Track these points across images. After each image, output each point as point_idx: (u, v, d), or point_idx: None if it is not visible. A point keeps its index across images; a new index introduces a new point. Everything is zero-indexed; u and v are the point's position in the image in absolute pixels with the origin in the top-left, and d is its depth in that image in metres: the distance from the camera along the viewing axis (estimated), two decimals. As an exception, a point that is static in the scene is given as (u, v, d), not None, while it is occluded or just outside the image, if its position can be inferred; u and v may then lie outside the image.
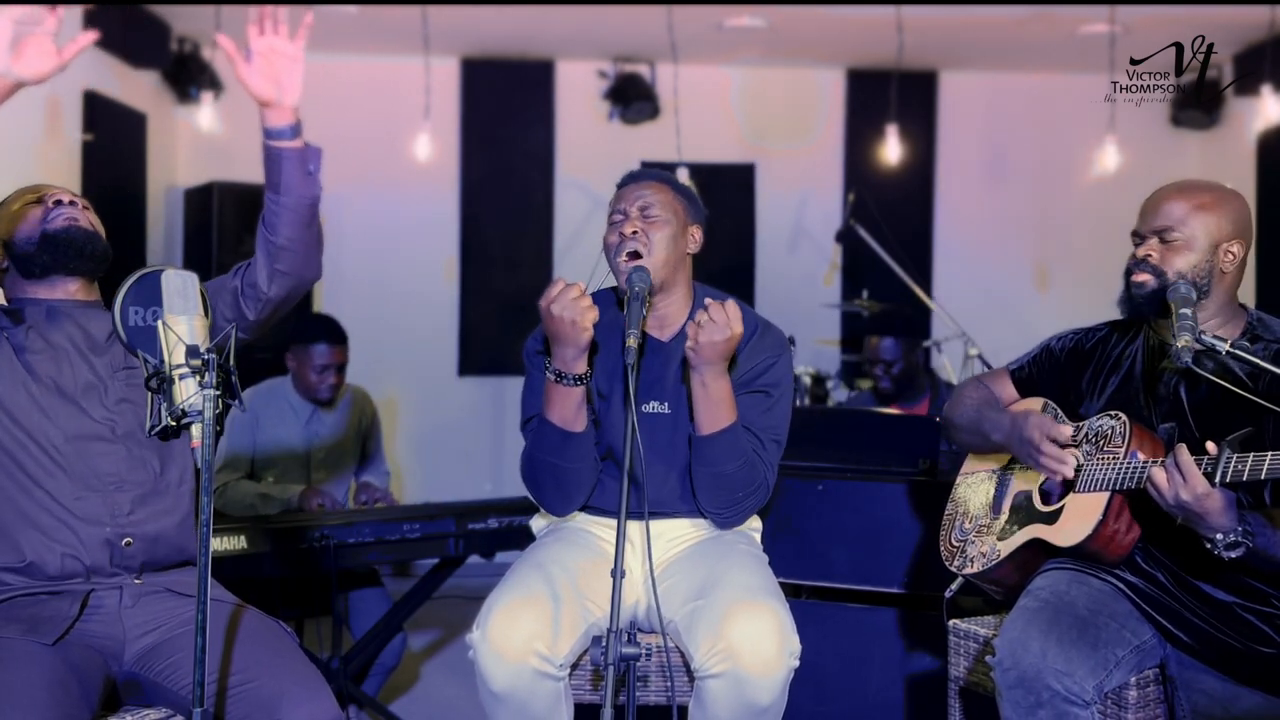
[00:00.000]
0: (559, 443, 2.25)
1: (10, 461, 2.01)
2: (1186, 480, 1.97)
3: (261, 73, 1.93)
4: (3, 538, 2.01)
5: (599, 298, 2.41)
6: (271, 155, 2.00)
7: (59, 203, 2.13)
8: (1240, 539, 1.99)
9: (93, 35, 1.77)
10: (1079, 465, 2.26)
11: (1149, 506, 2.12)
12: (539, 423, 2.27)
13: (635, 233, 2.28)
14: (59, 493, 2.01)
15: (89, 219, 2.15)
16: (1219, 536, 1.99)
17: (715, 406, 2.23)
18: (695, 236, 2.39)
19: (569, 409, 2.22)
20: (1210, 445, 1.99)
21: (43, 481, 2.01)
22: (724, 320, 2.16)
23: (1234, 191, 2.26)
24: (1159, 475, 2.02)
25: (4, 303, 2.14)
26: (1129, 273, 2.25)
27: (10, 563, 2.00)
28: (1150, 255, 2.20)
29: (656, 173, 2.44)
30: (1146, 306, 2.23)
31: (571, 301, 2.14)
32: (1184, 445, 2.01)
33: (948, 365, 4.95)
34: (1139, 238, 2.26)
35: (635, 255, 2.26)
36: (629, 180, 2.41)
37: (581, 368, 2.20)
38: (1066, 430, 2.26)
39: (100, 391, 2.07)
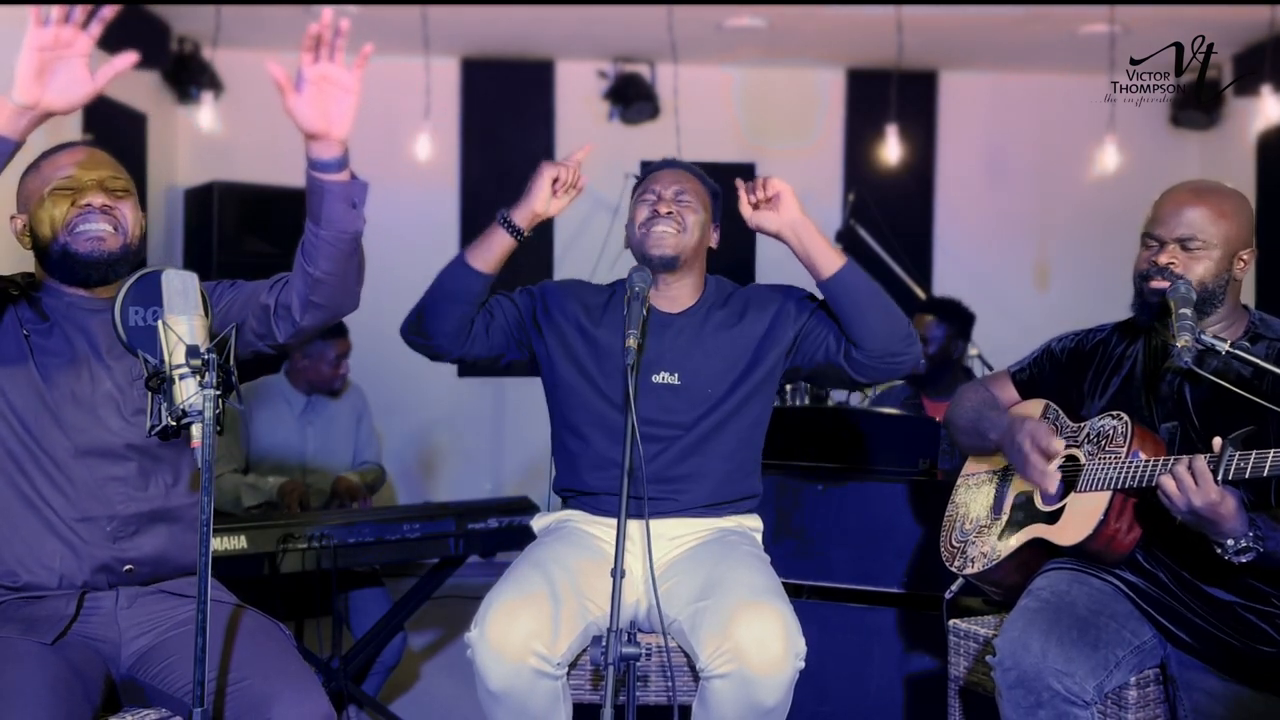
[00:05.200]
0: (458, 278, 2.37)
1: (16, 471, 1.95)
2: (1200, 486, 1.95)
3: (311, 103, 1.79)
4: None
5: (611, 287, 2.51)
6: (314, 187, 1.88)
7: (89, 209, 1.97)
8: (1251, 544, 1.98)
9: (131, 57, 1.66)
10: (1082, 465, 2.26)
11: (1150, 506, 2.12)
12: (453, 261, 2.39)
13: (670, 213, 2.37)
14: (63, 510, 1.95)
15: (119, 222, 2.00)
16: (1230, 542, 1.98)
17: (829, 245, 2.31)
18: (715, 234, 2.50)
19: (490, 254, 2.36)
20: (1216, 441, 1.98)
21: (48, 497, 1.95)
22: (775, 188, 2.31)
23: (1244, 196, 2.25)
24: (1169, 484, 1.99)
25: (29, 280, 2.04)
26: (1145, 277, 2.20)
27: (3, 579, 1.95)
28: (1173, 263, 2.17)
29: (690, 165, 2.51)
30: (1161, 307, 2.19)
31: (551, 173, 2.33)
32: (1200, 456, 1.99)
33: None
34: (1156, 242, 2.21)
35: (666, 230, 2.35)
36: (664, 166, 2.48)
37: (518, 220, 2.36)
38: (1059, 444, 2.26)
39: (119, 402, 1.99)
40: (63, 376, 1.97)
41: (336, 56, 1.80)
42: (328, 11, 1.75)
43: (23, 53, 1.61)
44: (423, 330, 2.40)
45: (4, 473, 1.96)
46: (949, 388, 4.38)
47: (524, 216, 2.35)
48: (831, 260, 2.30)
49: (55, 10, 1.60)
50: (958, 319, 4.44)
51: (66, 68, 1.63)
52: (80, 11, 1.61)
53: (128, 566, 2.00)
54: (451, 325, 2.37)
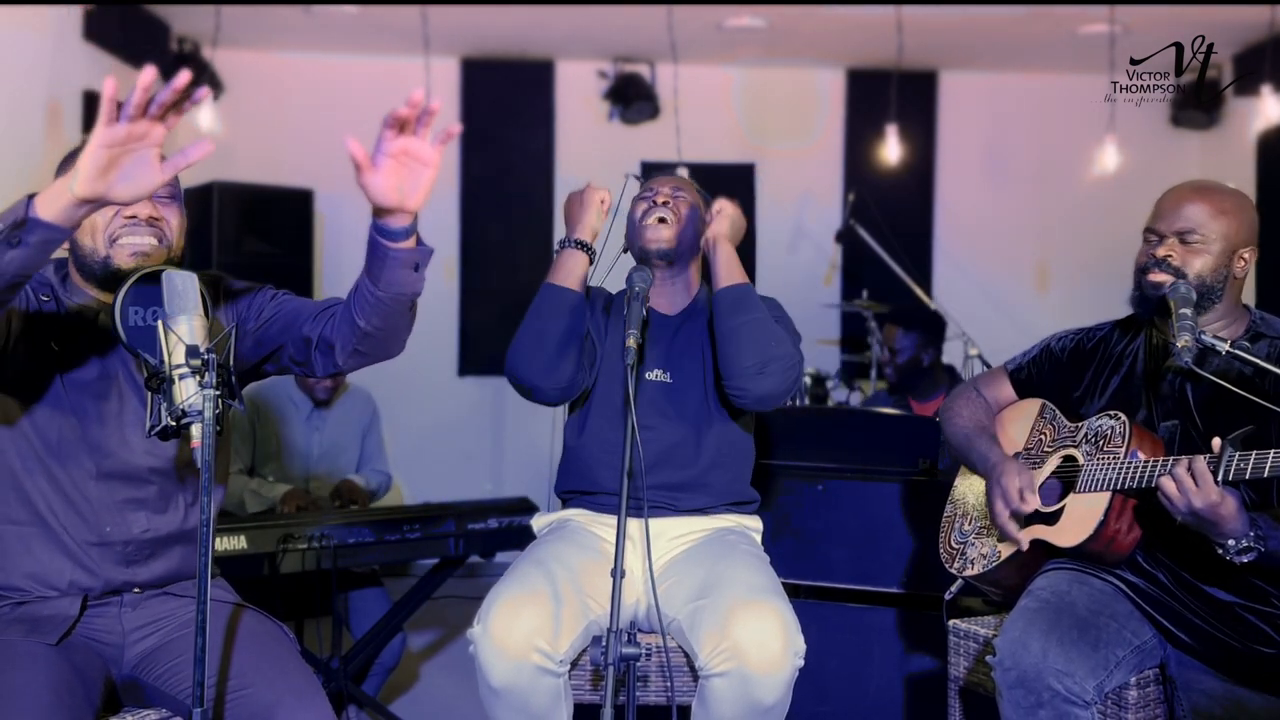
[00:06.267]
0: (560, 301, 2.36)
1: (34, 490, 1.92)
2: (1200, 487, 1.95)
3: (387, 177, 1.68)
4: (6, 568, 1.93)
5: (607, 293, 2.57)
6: (378, 252, 1.78)
7: (134, 221, 1.90)
8: (1252, 544, 1.98)
9: (207, 146, 1.58)
10: (1080, 465, 2.26)
11: (1150, 507, 2.11)
12: (543, 289, 2.40)
13: (666, 203, 2.46)
14: (77, 532, 1.93)
15: (163, 233, 1.94)
16: (1231, 543, 1.98)
17: (733, 264, 2.39)
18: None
19: (576, 272, 2.41)
20: (1215, 441, 1.98)
21: (63, 518, 1.93)
22: (735, 213, 2.45)
23: (1247, 196, 2.26)
24: (1169, 485, 2.00)
25: (62, 274, 1.97)
26: (1144, 270, 2.23)
27: (10, 594, 1.94)
28: (1170, 256, 2.18)
29: (682, 175, 2.67)
30: (1161, 306, 2.21)
31: (599, 194, 2.48)
32: (1200, 456, 1.99)
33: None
34: (1156, 236, 2.23)
35: (662, 220, 2.45)
36: (658, 173, 2.64)
37: (586, 238, 2.45)
38: (1033, 503, 2.26)
39: (145, 421, 1.90)
40: (89, 395, 1.94)
41: (421, 132, 1.68)
42: (419, 92, 1.64)
43: (89, 149, 1.52)
44: (554, 376, 2.34)
45: (20, 491, 1.93)
46: (929, 390, 4.42)
47: (587, 235, 2.44)
48: (721, 280, 2.37)
49: (132, 107, 1.50)
50: (924, 326, 4.49)
51: (135, 159, 1.55)
52: (157, 107, 1.51)
53: (136, 589, 1.99)
54: (576, 355, 2.36)
